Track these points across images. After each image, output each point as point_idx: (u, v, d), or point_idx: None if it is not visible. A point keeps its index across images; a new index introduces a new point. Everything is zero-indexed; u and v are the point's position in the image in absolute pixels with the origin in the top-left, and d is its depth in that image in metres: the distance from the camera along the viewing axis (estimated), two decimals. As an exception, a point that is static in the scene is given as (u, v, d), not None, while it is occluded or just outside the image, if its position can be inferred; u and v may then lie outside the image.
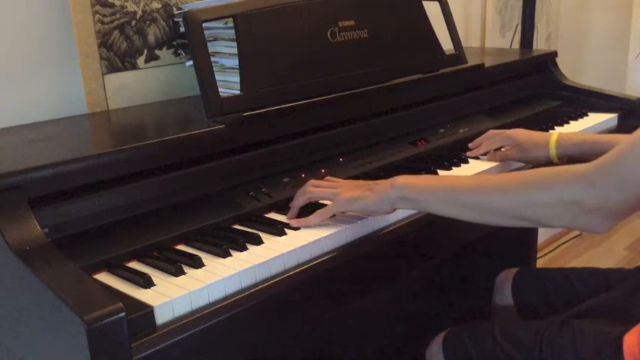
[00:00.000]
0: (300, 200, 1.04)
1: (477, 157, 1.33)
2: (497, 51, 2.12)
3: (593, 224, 0.86)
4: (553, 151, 1.25)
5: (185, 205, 1.02)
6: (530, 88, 1.81)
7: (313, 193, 1.04)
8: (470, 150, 1.35)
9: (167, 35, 1.38)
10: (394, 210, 1.02)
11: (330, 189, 1.03)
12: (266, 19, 1.17)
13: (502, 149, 1.33)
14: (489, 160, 1.32)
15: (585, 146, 1.24)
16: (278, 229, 0.97)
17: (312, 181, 1.06)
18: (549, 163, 1.26)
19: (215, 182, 1.07)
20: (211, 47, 1.18)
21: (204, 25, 1.10)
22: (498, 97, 1.68)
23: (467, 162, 1.30)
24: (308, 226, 0.99)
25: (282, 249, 0.91)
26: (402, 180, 0.99)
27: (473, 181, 0.99)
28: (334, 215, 1.03)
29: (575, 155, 1.26)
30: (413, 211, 1.08)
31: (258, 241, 0.94)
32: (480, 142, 1.35)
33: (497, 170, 1.29)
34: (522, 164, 1.32)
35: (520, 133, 1.30)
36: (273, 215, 1.06)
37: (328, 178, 1.09)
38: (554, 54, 1.86)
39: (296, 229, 0.98)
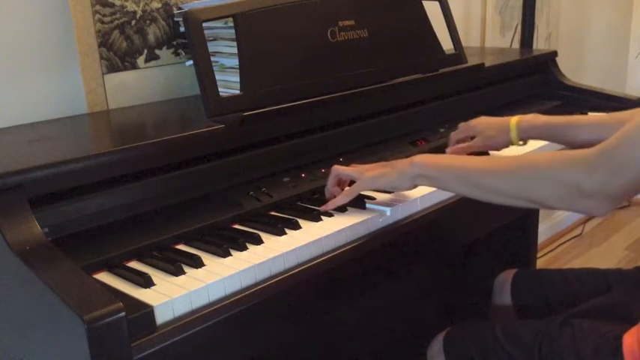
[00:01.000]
0: (330, 182, 1.10)
1: None
2: (498, 51, 2.12)
3: (592, 207, 0.89)
4: (514, 134, 1.27)
5: (185, 205, 1.02)
6: (531, 88, 1.81)
7: (339, 171, 1.09)
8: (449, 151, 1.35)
9: (167, 35, 1.38)
10: (415, 186, 1.07)
11: (354, 170, 1.09)
12: (266, 18, 1.17)
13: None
14: (452, 152, 1.31)
15: (545, 129, 1.26)
16: (278, 229, 0.97)
17: (336, 165, 1.11)
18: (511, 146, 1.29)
19: (215, 182, 1.07)
20: (211, 47, 1.18)
21: (204, 24, 1.10)
22: (498, 96, 1.68)
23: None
24: (336, 207, 1.05)
25: (282, 249, 0.91)
26: (420, 159, 1.05)
27: (484, 162, 1.02)
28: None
29: (536, 138, 1.29)
30: (412, 212, 1.09)
31: (258, 241, 0.94)
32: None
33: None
34: None
35: (481, 121, 1.31)
36: (273, 215, 1.06)
37: (353, 165, 1.14)
38: (555, 54, 1.86)
39: (297, 228, 0.98)
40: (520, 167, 0.96)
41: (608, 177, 0.86)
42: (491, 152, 1.32)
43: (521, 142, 1.28)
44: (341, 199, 1.06)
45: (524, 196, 0.95)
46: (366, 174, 1.07)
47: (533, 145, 1.35)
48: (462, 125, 1.33)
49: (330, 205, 1.06)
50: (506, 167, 0.97)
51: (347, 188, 1.08)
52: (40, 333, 0.80)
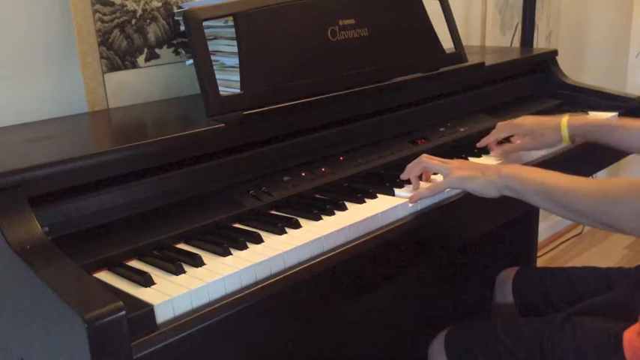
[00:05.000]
0: (416, 169, 1.11)
1: (479, 156, 1.33)
2: (498, 50, 2.12)
3: None
4: (565, 133, 1.25)
5: (185, 204, 1.02)
6: (531, 87, 1.80)
7: (428, 164, 1.10)
8: (481, 146, 1.35)
9: (167, 34, 1.38)
10: (500, 195, 1.06)
11: (443, 164, 1.09)
12: (266, 17, 1.17)
13: (511, 140, 1.32)
14: (497, 154, 1.31)
15: (596, 129, 1.24)
16: (278, 228, 0.97)
17: (425, 154, 1.12)
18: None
19: (215, 181, 1.07)
20: (211, 46, 1.18)
21: (204, 23, 1.10)
22: (499, 95, 1.68)
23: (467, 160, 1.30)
24: (421, 198, 1.07)
25: (282, 247, 0.91)
26: (508, 170, 1.05)
27: (568, 182, 1.01)
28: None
29: (585, 138, 1.27)
30: (413, 210, 1.08)
31: (258, 240, 0.94)
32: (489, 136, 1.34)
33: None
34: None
35: (529, 120, 1.29)
36: (273, 214, 1.06)
37: (440, 159, 1.12)
38: (555, 52, 1.86)
39: (297, 227, 0.98)
40: (601, 193, 0.95)
41: None
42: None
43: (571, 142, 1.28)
44: (426, 192, 1.07)
45: (599, 220, 0.95)
46: (455, 172, 1.07)
47: None
48: (503, 124, 1.31)
49: (414, 198, 1.06)
50: (589, 190, 0.96)
51: (433, 184, 1.09)
52: (41, 332, 0.80)
